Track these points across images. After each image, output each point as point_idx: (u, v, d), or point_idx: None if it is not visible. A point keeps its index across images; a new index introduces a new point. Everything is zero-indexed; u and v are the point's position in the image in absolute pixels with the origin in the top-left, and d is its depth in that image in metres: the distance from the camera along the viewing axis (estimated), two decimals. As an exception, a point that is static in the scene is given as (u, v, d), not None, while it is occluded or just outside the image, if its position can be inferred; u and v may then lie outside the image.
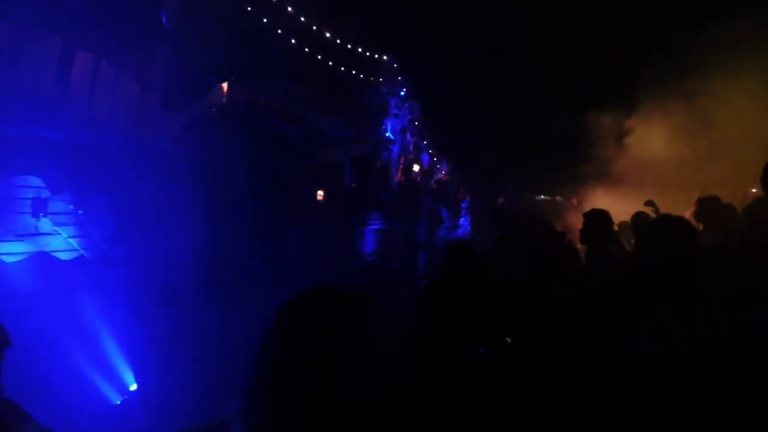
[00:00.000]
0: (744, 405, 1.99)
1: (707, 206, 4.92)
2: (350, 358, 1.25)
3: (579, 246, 4.38)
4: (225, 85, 10.96)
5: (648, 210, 5.58)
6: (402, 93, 18.75)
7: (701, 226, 4.91)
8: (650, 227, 4.33)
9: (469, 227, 18.41)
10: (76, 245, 6.31)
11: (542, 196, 17.63)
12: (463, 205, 18.63)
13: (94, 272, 6.39)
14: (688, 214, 5.53)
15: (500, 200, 19.10)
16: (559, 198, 16.70)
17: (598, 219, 4.03)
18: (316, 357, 1.22)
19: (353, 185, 17.70)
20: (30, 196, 5.56)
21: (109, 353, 5.88)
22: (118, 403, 5.67)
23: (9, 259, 5.22)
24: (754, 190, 5.70)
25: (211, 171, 9.11)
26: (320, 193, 15.28)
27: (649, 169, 10.23)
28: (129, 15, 6.38)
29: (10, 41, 4.49)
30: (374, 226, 15.72)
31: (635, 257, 3.64)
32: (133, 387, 5.98)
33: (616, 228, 5.45)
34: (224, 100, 10.97)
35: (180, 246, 8.49)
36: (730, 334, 2.17)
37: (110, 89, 6.07)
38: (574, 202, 15.20)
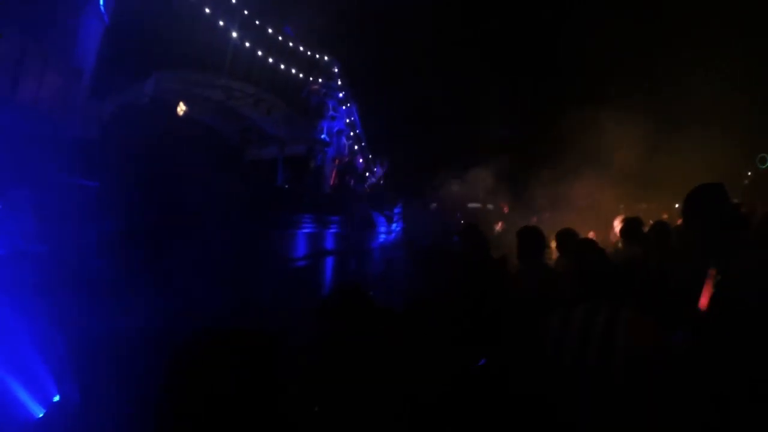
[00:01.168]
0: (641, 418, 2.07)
1: (629, 224, 5.31)
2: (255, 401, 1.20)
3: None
4: (159, 75, 10.42)
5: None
6: (341, 95, 18.66)
7: (622, 242, 5.30)
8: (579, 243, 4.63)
9: (401, 233, 18.59)
10: (-10, 240, 5.73)
11: (474, 204, 18.11)
12: (396, 210, 18.79)
13: (9, 271, 5.81)
14: (616, 231, 5.92)
15: (433, 206, 19.44)
16: (490, 206, 17.23)
17: (531, 235, 4.27)
18: (216, 401, 1.16)
19: (286, 186, 17.38)
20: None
21: (29, 361, 5.35)
22: (40, 416, 5.19)
23: None
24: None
25: (138, 163, 8.62)
26: (249, 192, 14.87)
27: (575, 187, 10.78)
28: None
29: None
30: (306, 229, 15.47)
31: (566, 271, 3.85)
32: (56, 398, 5.49)
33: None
34: (157, 90, 10.43)
35: (102, 243, 7.95)
36: (646, 347, 2.25)
37: (37, 71, 5.57)
38: (505, 210, 15.76)
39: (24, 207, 6.52)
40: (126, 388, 5.43)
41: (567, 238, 5.07)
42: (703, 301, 2.48)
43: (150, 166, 8.73)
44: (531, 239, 4.25)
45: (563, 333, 2.33)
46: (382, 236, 18.65)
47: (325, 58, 17.24)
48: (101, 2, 6.72)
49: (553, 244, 5.67)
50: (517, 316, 2.92)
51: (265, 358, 1.25)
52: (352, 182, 19.26)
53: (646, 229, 5.18)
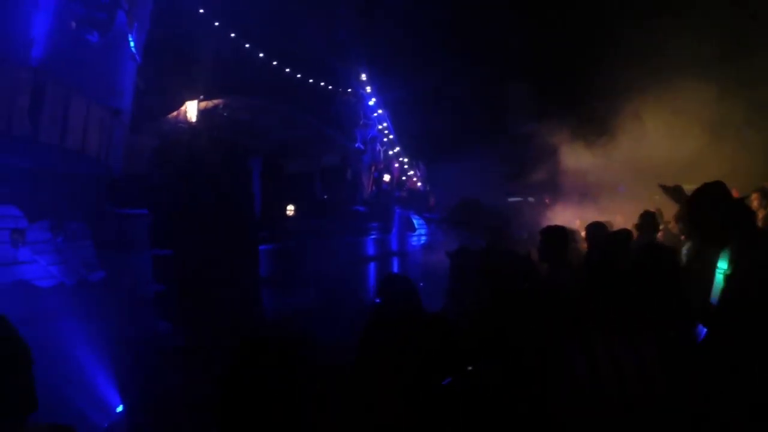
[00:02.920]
0: None
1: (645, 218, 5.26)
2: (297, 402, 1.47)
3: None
4: (192, 104, 11.08)
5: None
6: (371, 103, 19.03)
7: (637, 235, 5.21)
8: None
9: (441, 234, 18.76)
10: (55, 272, 6.37)
11: (514, 198, 17.98)
12: (435, 212, 19.00)
13: (74, 297, 6.45)
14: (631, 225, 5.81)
15: (473, 203, 19.43)
16: (531, 199, 17.05)
17: (555, 235, 4.10)
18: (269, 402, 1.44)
19: (325, 197, 17.89)
20: (8, 226, 5.63)
21: (94, 377, 5.95)
22: (106, 426, 5.76)
23: (-13, 289, 5.29)
24: None
25: (182, 191, 9.23)
26: (290, 207, 15.46)
27: (618, 172, 10.59)
28: (97, 44, 6.51)
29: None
30: (347, 237, 15.90)
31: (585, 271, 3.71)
32: (119, 409, 6.07)
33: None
34: (190, 117, 11.09)
35: (156, 267, 8.59)
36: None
37: (82, 118, 6.16)
38: (547, 201, 15.60)
39: (82, 239, 7.20)
40: (183, 396, 5.96)
41: (597, 231, 4.95)
42: (714, 295, 2.52)
43: (192, 192, 9.35)
44: (554, 240, 4.09)
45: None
46: (423, 238, 18.89)
47: (354, 68, 17.64)
48: (132, 45, 7.32)
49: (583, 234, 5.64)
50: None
51: (291, 363, 1.51)
52: (389, 188, 19.62)
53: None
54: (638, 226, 5.43)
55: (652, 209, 5.65)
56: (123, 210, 8.12)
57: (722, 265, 2.58)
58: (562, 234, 4.17)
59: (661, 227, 5.64)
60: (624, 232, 4.87)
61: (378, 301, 3.09)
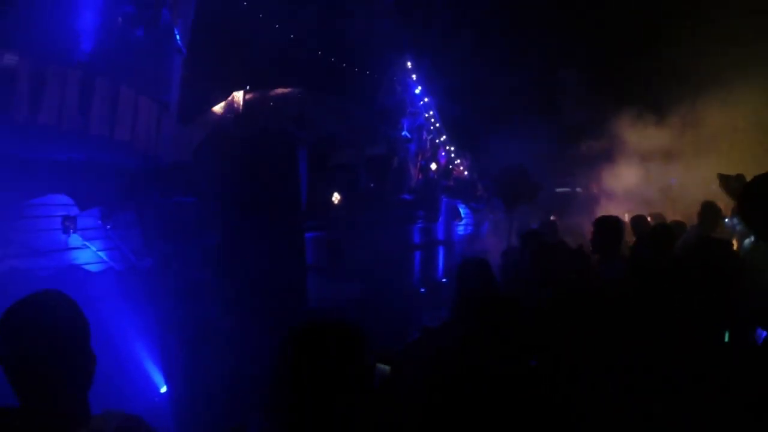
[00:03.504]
0: None
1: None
2: (349, 386, 1.47)
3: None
4: (239, 94, 11.30)
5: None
6: (417, 90, 18.88)
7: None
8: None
9: (487, 224, 18.51)
10: (105, 258, 6.71)
11: (562, 189, 17.55)
12: (482, 201, 18.74)
13: (123, 283, 6.78)
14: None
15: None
16: (579, 189, 16.62)
17: (608, 226, 4.00)
18: (320, 386, 1.44)
19: (371, 185, 17.94)
20: (60, 213, 5.96)
21: (140, 357, 6.26)
22: (149, 404, 6.06)
23: (41, 273, 5.63)
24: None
25: (229, 180, 9.45)
26: (336, 195, 15.57)
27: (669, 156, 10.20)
28: (143, 38, 6.74)
29: (32, 75, 4.85)
30: (393, 226, 15.93)
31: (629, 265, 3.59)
32: (163, 389, 6.35)
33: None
34: (238, 108, 11.33)
35: (204, 254, 8.87)
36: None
37: (130, 111, 6.43)
38: (595, 190, 15.16)
39: (131, 227, 7.54)
40: (224, 380, 6.16)
41: (640, 224, 4.82)
42: None
43: (239, 182, 9.58)
44: (608, 231, 3.98)
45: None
46: (470, 228, 18.70)
47: (398, 55, 17.54)
48: (177, 38, 7.54)
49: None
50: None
51: (353, 348, 1.53)
52: (436, 176, 19.47)
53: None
54: (699, 216, 5.21)
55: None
56: (171, 199, 8.42)
57: None
58: (615, 225, 4.05)
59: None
60: (668, 226, 4.66)
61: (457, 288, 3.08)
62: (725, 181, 4.35)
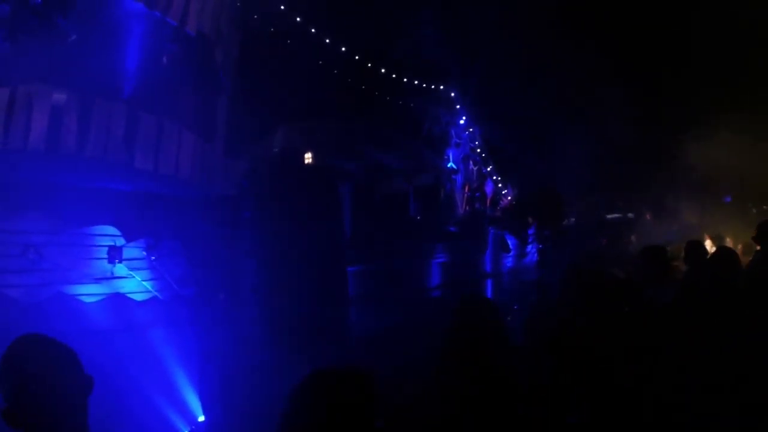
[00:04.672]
0: None
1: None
2: None
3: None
4: (284, 128, 11.59)
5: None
6: (462, 121, 18.89)
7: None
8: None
9: (536, 254, 17.99)
10: (149, 287, 6.88)
11: (614, 215, 16.96)
12: (530, 231, 18.27)
13: (167, 311, 6.91)
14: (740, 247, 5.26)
15: (571, 221, 18.56)
16: (630, 215, 16.02)
17: (655, 255, 4.01)
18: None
19: (418, 217, 17.89)
20: (106, 243, 6.19)
21: (180, 386, 6.32)
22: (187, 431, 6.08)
23: (87, 300, 5.82)
24: None
25: (273, 213, 9.59)
26: (383, 227, 15.60)
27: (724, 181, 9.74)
28: (188, 74, 7.03)
29: (80, 107, 5.13)
30: (440, 258, 15.74)
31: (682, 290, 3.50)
32: (201, 419, 6.37)
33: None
34: (283, 142, 11.60)
35: (247, 286, 8.97)
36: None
37: (174, 144, 6.66)
38: (648, 217, 14.56)
39: (176, 256, 7.74)
40: (262, 412, 6.11)
41: (695, 250, 4.68)
42: None
43: (282, 216, 9.71)
44: (654, 260, 3.99)
45: None
46: (518, 259, 18.23)
47: (442, 86, 17.65)
48: (222, 73, 7.83)
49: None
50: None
51: (358, 398, 1.48)
52: (483, 207, 19.22)
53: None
54: (757, 239, 4.92)
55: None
56: (215, 229, 8.62)
57: None
58: (661, 254, 4.06)
59: None
60: (724, 252, 4.44)
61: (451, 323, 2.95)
62: None
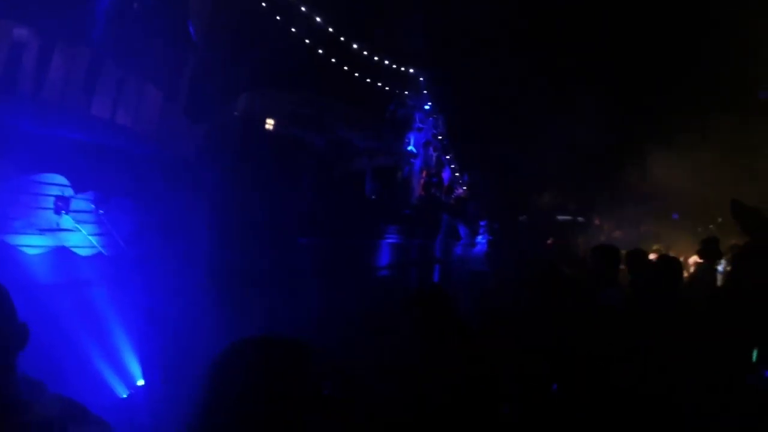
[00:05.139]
0: None
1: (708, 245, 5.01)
2: (293, 412, 1.27)
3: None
4: (249, 94, 11.27)
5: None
6: (427, 107, 18.91)
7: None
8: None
9: (486, 245, 18.40)
10: (95, 243, 6.61)
11: (564, 216, 17.52)
12: (481, 222, 18.64)
13: (110, 269, 6.68)
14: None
15: (522, 218, 19.06)
16: (580, 218, 16.60)
17: (607, 255, 4.00)
18: (255, 410, 1.24)
19: (373, 197, 17.89)
20: (54, 193, 5.88)
21: (120, 348, 6.14)
22: (125, 396, 5.92)
23: (30, 251, 5.53)
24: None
25: (231, 178, 9.39)
26: (337, 204, 15.52)
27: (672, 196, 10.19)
28: (157, 28, 6.70)
29: (40, 49, 4.81)
30: (392, 239, 15.86)
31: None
32: (140, 382, 6.22)
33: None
34: (248, 108, 11.30)
35: (196, 250, 8.77)
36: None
37: (135, 98, 6.38)
38: (597, 222, 15.12)
39: (125, 214, 7.45)
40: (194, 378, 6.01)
41: (638, 259, 4.78)
42: None
43: (240, 183, 9.50)
44: (607, 259, 3.98)
45: None
46: (467, 248, 18.60)
47: (411, 70, 17.58)
48: (191, 31, 7.52)
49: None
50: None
51: (295, 368, 1.33)
52: (439, 194, 19.42)
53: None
54: (701, 254, 5.19)
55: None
56: (170, 190, 8.35)
57: None
58: (614, 254, 4.07)
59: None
60: (667, 261, 4.62)
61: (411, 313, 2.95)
62: (741, 211, 3.97)
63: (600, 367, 2.34)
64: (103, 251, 6.64)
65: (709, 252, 5.05)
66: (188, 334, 7.04)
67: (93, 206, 6.45)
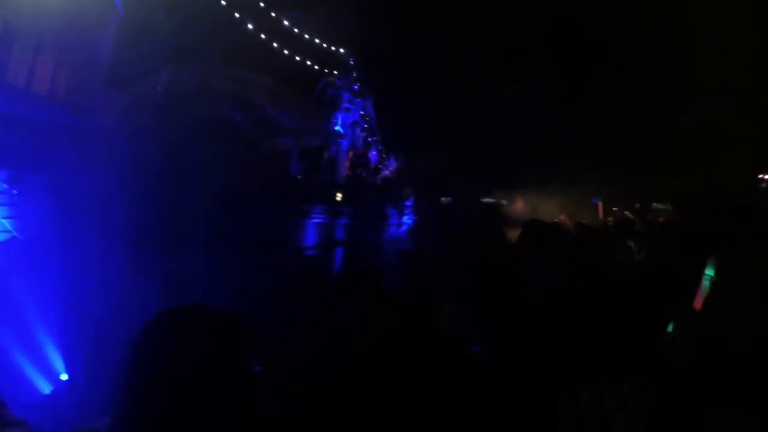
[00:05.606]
0: None
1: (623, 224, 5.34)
2: (219, 381, 1.18)
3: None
4: (174, 67, 10.62)
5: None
6: (356, 88, 18.76)
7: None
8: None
9: (411, 225, 18.69)
10: (8, 226, 5.99)
11: (487, 199, 18.11)
12: (407, 203, 18.88)
13: (26, 255, 6.09)
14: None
15: (445, 200, 19.48)
16: (504, 201, 17.22)
17: (535, 229, 3.97)
18: (180, 379, 1.16)
19: (299, 176, 17.58)
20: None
21: (40, 340, 5.63)
22: (48, 392, 5.45)
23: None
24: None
25: (152, 153, 8.85)
26: (264, 183, 15.10)
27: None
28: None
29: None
30: (318, 219, 15.69)
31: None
32: (64, 376, 5.75)
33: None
34: (172, 81, 10.65)
35: (116, 231, 8.21)
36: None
37: (53, 64, 5.78)
38: (519, 205, 15.77)
39: (42, 194, 6.79)
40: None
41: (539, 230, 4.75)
42: (698, 302, 2.47)
43: (162, 159, 8.95)
44: (537, 233, 3.94)
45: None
46: (393, 228, 18.79)
47: (341, 50, 17.33)
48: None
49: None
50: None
51: (225, 340, 1.23)
52: (365, 174, 19.41)
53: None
54: (616, 230, 5.49)
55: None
56: (89, 166, 7.71)
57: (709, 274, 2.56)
58: (544, 228, 4.06)
59: None
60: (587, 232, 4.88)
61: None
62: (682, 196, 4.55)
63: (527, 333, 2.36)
64: (17, 235, 6.03)
65: (624, 229, 5.33)
66: (112, 321, 6.60)
67: (5, 186, 5.82)
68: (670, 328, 2.72)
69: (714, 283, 2.41)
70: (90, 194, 7.66)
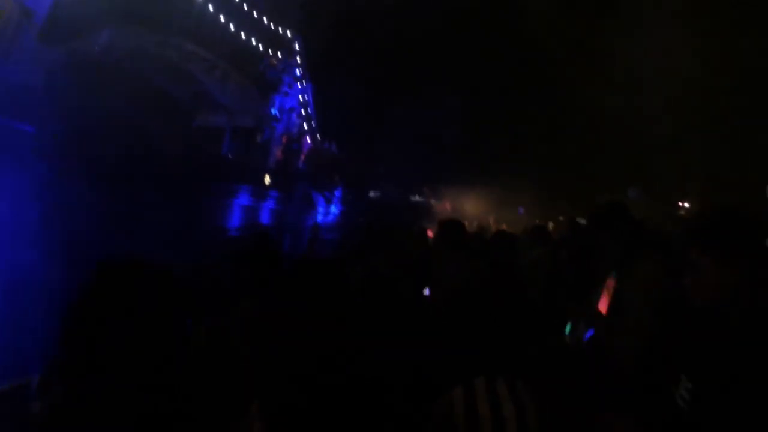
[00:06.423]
0: None
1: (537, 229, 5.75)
2: (154, 336, 1.19)
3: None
4: (113, 29, 10.24)
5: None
6: (297, 73, 18.68)
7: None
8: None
9: (338, 215, 18.95)
10: None
11: (417, 197, 18.63)
12: (336, 193, 19.11)
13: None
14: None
15: (373, 194, 19.86)
16: (433, 201, 17.77)
17: (451, 228, 4.04)
18: (114, 334, 1.16)
19: (230, 156, 17.31)
20: None
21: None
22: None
23: None
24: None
25: (79, 116, 8.56)
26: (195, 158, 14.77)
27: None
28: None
29: None
30: (244, 201, 15.57)
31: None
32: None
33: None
34: (109, 43, 10.25)
35: (31, 195, 7.92)
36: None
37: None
38: (447, 206, 16.39)
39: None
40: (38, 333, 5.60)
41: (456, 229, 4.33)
42: (602, 306, 2.63)
43: (90, 120, 8.65)
44: (453, 230, 4.03)
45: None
46: (320, 216, 18.95)
47: (288, 33, 17.21)
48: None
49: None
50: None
51: (156, 291, 1.24)
52: (297, 161, 19.41)
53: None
54: (532, 236, 5.86)
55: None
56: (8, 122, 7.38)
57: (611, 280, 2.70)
58: (460, 225, 4.15)
59: None
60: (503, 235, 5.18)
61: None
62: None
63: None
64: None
65: (539, 237, 5.62)
66: (21, 285, 6.49)
67: None
68: (567, 328, 3.05)
69: (616, 290, 2.57)
70: (6, 153, 7.32)
